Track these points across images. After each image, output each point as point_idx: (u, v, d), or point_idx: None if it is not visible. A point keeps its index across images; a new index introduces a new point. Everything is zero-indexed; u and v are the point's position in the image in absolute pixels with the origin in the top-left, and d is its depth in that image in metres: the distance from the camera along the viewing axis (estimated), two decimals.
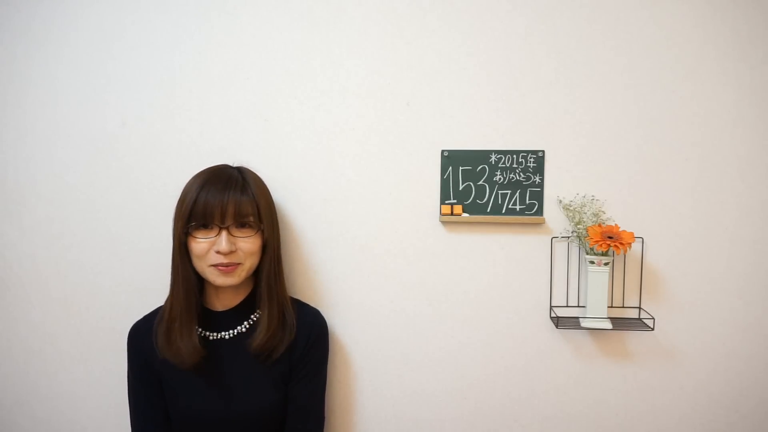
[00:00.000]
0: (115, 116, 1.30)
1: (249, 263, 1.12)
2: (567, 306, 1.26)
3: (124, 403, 1.21)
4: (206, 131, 1.29)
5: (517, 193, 1.24)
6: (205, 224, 1.08)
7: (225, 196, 1.07)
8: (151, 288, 1.28)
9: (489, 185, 1.24)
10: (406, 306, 1.28)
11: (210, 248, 1.08)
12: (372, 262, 1.28)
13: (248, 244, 1.10)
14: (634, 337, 1.25)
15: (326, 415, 1.26)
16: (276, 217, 1.19)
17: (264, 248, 1.14)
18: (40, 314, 1.35)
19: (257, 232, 1.11)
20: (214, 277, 1.10)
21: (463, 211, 1.25)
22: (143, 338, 1.16)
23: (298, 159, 1.28)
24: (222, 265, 1.08)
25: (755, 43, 1.19)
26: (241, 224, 1.10)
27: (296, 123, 1.27)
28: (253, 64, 1.27)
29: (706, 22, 1.19)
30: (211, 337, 1.15)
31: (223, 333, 1.16)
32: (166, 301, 1.15)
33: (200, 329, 1.15)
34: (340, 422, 1.31)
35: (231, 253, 1.08)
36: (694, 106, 1.20)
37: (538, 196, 1.24)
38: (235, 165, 1.19)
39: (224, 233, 1.07)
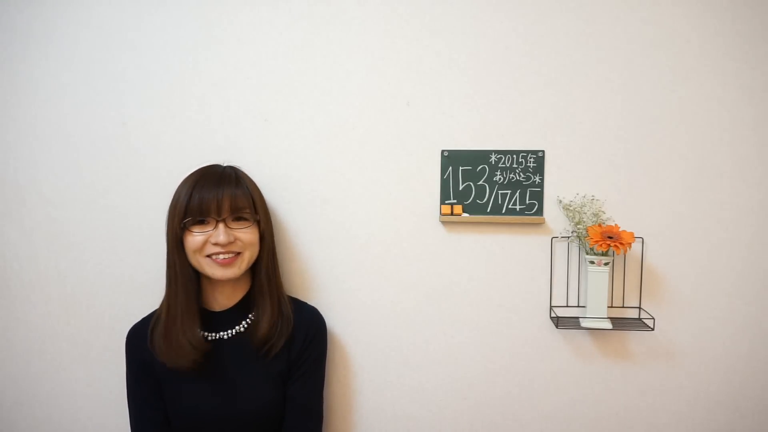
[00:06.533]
0: (115, 116, 1.30)
1: (249, 253, 1.13)
2: (567, 306, 1.26)
3: (124, 403, 1.20)
4: (206, 131, 1.29)
5: (517, 193, 1.24)
6: (202, 219, 1.10)
7: (220, 191, 1.09)
8: (151, 288, 1.28)
9: (489, 185, 1.25)
10: (406, 305, 1.28)
11: (206, 240, 1.09)
12: (372, 261, 1.28)
13: (248, 234, 1.12)
14: (634, 337, 1.25)
15: (325, 413, 1.26)
16: (269, 214, 1.21)
17: (261, 240, 1.16)
18: (40, 314, 1.35)
19: (254, 223, 1.13)
20: (213, 269, 1.11)
21: (463, 211, 1.25)
22: (142, 340, 1.16)
23: (298, 159, 1.28)
24: (220, 256, 1.09)
25: (755, 43, 1.19)
26: (237, 217, 1.12)
27: (296, 123, 1.27)
28: (253, 64, 1.27)
29: (706, 22, 1.19)
30: (209, 338, 1.15)
31: (221, 333, 1.16)
32: (162, 305, 1.15)
33: (199, 330, 1.15)
34: (340, 421, 1.31)
35: (229, 244, 1.09)
36: (694, 106, 1.20)
37: (538, 196, 1.24)
38: (225, 164, 1.20)
39: (221, 225, 1.09)
